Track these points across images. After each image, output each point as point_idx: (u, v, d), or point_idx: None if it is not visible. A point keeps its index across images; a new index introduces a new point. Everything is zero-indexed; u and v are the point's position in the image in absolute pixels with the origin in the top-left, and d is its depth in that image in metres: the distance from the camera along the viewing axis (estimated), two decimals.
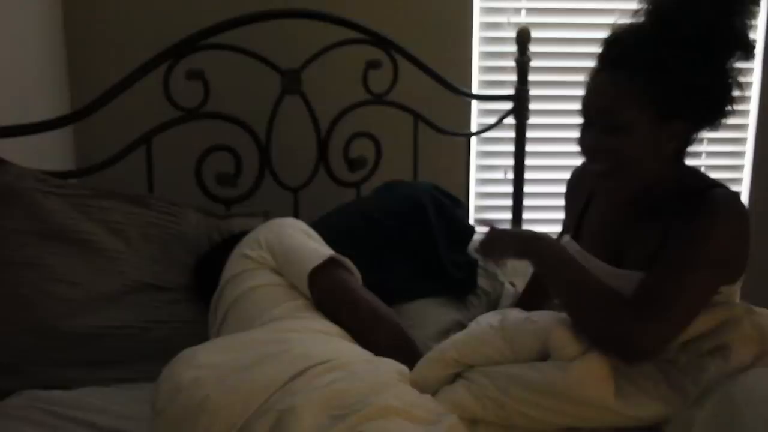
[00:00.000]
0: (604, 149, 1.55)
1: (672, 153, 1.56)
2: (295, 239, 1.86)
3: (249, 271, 1.82)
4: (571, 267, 1.57)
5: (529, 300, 1.93)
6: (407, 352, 1.65)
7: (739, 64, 1.53)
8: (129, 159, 2.20)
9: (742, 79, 1.53)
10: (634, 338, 1.45)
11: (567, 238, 1.79)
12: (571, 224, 1.82)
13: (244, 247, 1.87)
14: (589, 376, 1.44)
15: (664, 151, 1.54)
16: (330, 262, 1.80)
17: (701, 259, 1.47)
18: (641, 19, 1.55)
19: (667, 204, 1.56)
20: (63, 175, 2.14)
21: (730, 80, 1.51)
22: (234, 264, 1.85)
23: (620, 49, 1.54)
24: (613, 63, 1.54)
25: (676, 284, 1.46)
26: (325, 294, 1.78)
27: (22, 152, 2.07)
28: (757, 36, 2.97)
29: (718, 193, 1.51)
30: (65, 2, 2.60)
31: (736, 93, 1.53)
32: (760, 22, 2.96)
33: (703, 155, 3.04)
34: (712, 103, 1.53)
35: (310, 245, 1.86)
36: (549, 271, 1.60)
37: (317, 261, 1.78)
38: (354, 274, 1.86)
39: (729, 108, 1.54)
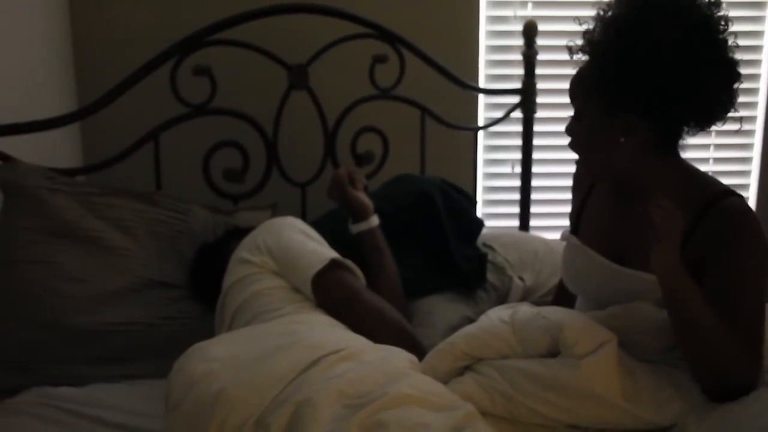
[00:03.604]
0: (569, 134, 1.64)
1: (644, 147, 1.55)
2: (294, 242, 1.85)
3: (251, 275, 1.81)
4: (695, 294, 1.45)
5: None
6: (414, 354, 1.65)
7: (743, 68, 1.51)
8: (136, 155, 2.20)
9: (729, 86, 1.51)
10: (751, 379, 1.47)
11: (567, 232, 1.78)
12: (571, 217, 1.81)
13: (244, 251, 1.85)
14: (599, 374, 1.44)
15: (626, 143, 1.54)
16: (332, 264, 1.79)
17: (757, 275, 1.49)
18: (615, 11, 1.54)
19: None
20: (71, 172, 2.15)
21: (700, 85, 1.48)
22: (235, 269, 1.84)
23: (587, 37, 1.57)
24: (582, 50, 1.59)
25: (758, 310, 1.48)
26: (329, 298, 1.78)
27: (29, 149, 2.07)
28: (764, 36, 2.95)
29: (735, 203, 1.51)
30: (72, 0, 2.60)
31: (712, 97, 1.51)
32: (767, 17, 2.94)
33: (711, 161, 3.04)
34: (672, 104, 1.50)
35: (310, 247, 1.85)
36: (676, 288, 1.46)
37: (319, 265, 1.77)
38: (357, 275, 1.85)
39: (704, 110, 1.52)
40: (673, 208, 1.41)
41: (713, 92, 1.50)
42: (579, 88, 1.61)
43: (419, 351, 1.70)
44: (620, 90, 1.50)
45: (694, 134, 1.58)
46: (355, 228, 2.02)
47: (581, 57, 1.59)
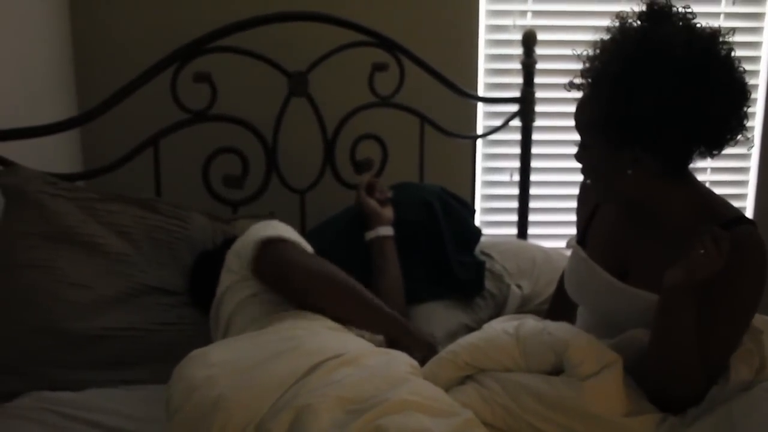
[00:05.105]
0: (578, 161, 1.62)
1: (652, 174, 1.54)
2: (250, 240, 1.84)
3: (236, 284, 1.81)
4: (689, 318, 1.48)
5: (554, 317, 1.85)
6: (387, 325, 1.69)
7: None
8: (136, 161, 2.21)
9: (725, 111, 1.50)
10: (695, 399, 1.49)
11: (573, 241, 1.78)
12: (578, 229, 1.82)
13: (228, 260, 1.87)
14: (601, 397, 1.45)
15: (634, 173, 1.53)
16: (263, 244, 1.77)
17: (745, 312, 1.51)
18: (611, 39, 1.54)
19: (680, 228, 1.54)
20: (71, 177, 2.15)
21: (706, 114, 1.46)
22: (224, 278, 1.85)
23: (588, 70, 1.55)
24: (581, 87, 1.57)
25: (728, 341, 1.50)
26: (269, 279, 1.77)
27: (30, 154, 2.08)
28: (762, 47, 2.96)
29: (744, 234, 1.48)
30: (72, 5, 2.61)
31: (720, 123, 1.50)
32: (765, 28, 2.95)
33: (708, 170, 3.04)
34: (678, 136, 1.48)
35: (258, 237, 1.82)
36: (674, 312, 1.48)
37: (254, 252, 1.76)
38: (297, 248, 1.82)
39: (712, 137, 1.51)
40: (716, 253, 1.40)
41: (721, 118, 1.49)
42: (583, 120, 1.59)
43: (388, 321, 1.75)
44: (624, 127, 1.48)
45: (704, 158, 1.55)
46: (366, 235, 2.07)
47: (581, 90, 1.58)
